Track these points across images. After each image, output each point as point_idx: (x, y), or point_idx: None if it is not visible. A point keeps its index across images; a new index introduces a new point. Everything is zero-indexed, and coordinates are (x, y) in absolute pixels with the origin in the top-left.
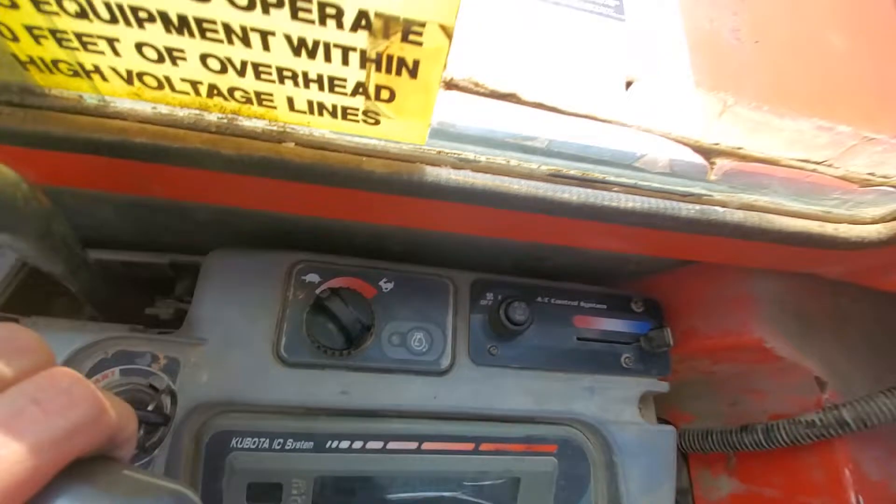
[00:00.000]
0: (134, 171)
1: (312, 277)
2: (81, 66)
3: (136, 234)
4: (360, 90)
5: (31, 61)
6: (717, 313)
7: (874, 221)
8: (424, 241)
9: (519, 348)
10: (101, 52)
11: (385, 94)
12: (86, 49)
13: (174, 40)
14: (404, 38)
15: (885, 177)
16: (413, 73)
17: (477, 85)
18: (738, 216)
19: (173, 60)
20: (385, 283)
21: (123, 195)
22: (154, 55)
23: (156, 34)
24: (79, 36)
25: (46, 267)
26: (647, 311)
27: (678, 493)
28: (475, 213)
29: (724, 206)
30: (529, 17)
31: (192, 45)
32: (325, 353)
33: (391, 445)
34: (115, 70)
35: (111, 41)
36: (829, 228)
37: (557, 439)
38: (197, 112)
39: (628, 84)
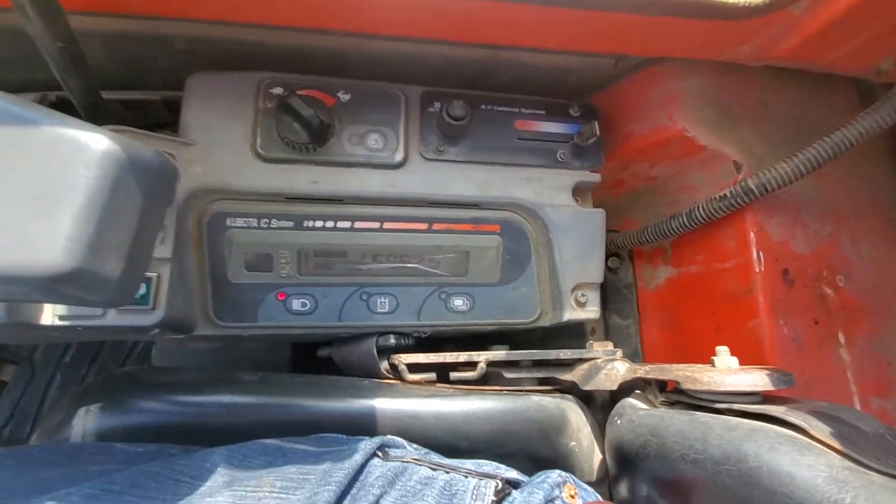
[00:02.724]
0: None
1: (278, 90)
2: None
3: (126, 72)
4: None
5: None
6: (648, 115)
7: None
8: (376, 58)
9: (463, 146)
10: None
11: None
12: None
13: None
14: None
15: None
16: None
17: None
18: None
19: None
20: (343, 94)
21: (108, 19)
22: None
23: None
24: None
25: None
26: (583, 115)
27: (624, 287)
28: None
29: None
30: None
31: None
32: (294, 148)
33: (357, 225)
34: None
35: None
36: None
37: (500, 220)
38: None
39: None
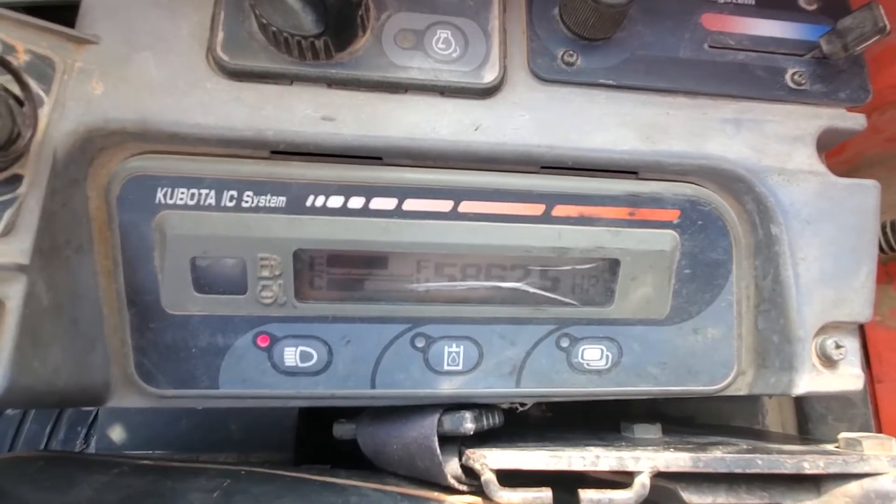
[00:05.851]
0: None
1: None
2: None
3: None
4: None
5: None
6: None
7: None
8: None
9: (613, 56)
10: None
11: None
12: None
13: None
14: None
15: None
16: None
17: None
18: None
19: None
20: None
21: None
22: None
23: None
24: None
25: None
26: (825, 9)
27: None
28: None
29: None
30: None
31: None
32: (289, 49)
33: (410, 205)
34: None
35: None
36: None
37: (680, 201)
38: None
39: None
